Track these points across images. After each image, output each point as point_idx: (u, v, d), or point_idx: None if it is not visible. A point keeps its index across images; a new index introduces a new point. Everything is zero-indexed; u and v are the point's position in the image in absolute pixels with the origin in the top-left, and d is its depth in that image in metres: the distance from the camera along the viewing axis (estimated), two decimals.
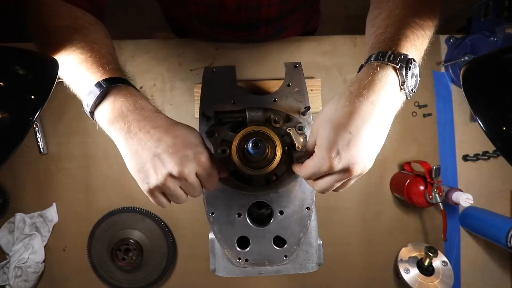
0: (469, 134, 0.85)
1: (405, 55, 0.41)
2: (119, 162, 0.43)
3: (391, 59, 0.41)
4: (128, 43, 0.86)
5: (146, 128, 0.42)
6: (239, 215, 0.52)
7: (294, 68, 0.57)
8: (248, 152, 0.47)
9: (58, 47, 0.46)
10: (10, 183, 0.84)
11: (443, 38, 0.86)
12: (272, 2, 0.69)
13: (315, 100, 0.82)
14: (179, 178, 0.42)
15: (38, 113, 0.39)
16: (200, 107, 0.55)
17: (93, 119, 0.45)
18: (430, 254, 0.74)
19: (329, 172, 0.40)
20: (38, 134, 0.83)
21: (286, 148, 0.51)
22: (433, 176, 0.73)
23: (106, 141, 0.44)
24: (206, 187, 0.45)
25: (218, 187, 0.47)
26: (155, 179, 0.41)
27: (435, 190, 0.73)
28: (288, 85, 0.56)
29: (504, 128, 0.39)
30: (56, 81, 0.42)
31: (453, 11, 0.95)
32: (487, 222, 0.78)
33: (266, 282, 0.84)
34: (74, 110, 0.84)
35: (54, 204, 0.84)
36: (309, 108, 0.54)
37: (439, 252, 0.77)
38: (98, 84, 0.42)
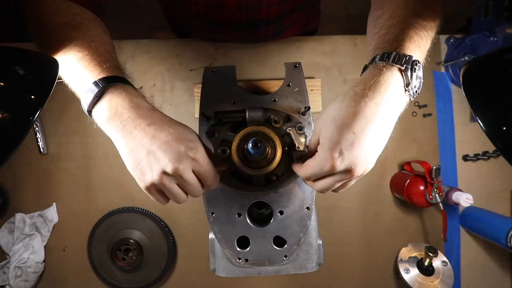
0: (469, 134, 0.85)
1: (410, 56, 0.41)
2: (119, 162, 0.43)
3: (396, 60, 0.40)
4: (128, 43, 0.86)
5: (142, 125, 0.41)
6: (239, 215, 0.52)
7: (294, 68, 0.57)
8: (248, 152, 0.47)
9: (57, 46, 0.46)
10: (10, 183, 0.84)
11: (443, 38, 0.86)
12: (272, 2, 0.69)
13: (315, 100, 0.82)
14: (174, 175, 0.41)
15: (38, 113, 0.39)
16: (200, 107, 0.55)
17: (91, 117, 0.45)
18: (430, 254, 0.74)
19: (331, 173, 0.40)
20: (38, 134, 0.83)
21: (286, 148, 0.51)
22: (433, 176, 0.73)
23: (106, 141, 0.44)
24: (206, 185, 0.45)
25: (218, 184, 0.47)
26: (150, 176, 0.41)
27: (435, 190, 0.73)
28: (288, 85, 0.56)
29: (504, 128, 0.39)
30: (56, 81, 0.42)
31: (453, 11, 0.95)
32: (487, 222, 0.78)
33: (266, 282, 0.84)
34: (74, 110, 0.84)
35: (54, 204, 0.84)
36: (309, 108, 0.54)
37: (439, 252, 0.77)
38: (95, 83, 0.42)
